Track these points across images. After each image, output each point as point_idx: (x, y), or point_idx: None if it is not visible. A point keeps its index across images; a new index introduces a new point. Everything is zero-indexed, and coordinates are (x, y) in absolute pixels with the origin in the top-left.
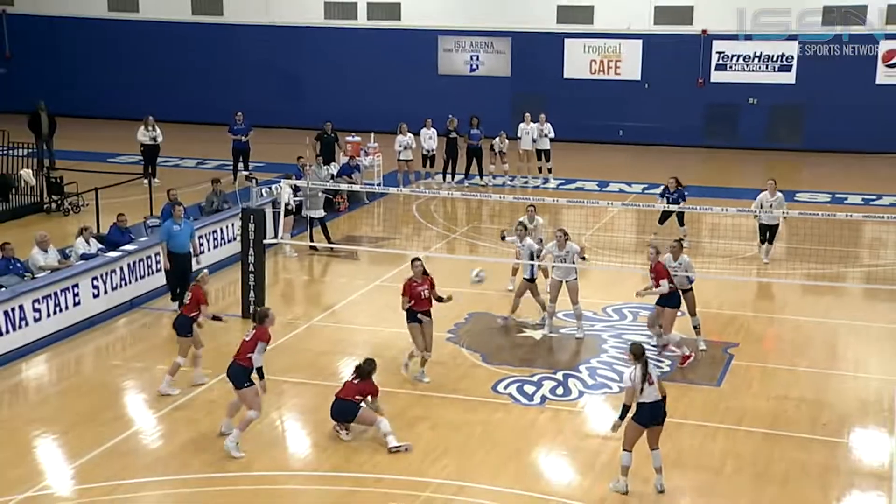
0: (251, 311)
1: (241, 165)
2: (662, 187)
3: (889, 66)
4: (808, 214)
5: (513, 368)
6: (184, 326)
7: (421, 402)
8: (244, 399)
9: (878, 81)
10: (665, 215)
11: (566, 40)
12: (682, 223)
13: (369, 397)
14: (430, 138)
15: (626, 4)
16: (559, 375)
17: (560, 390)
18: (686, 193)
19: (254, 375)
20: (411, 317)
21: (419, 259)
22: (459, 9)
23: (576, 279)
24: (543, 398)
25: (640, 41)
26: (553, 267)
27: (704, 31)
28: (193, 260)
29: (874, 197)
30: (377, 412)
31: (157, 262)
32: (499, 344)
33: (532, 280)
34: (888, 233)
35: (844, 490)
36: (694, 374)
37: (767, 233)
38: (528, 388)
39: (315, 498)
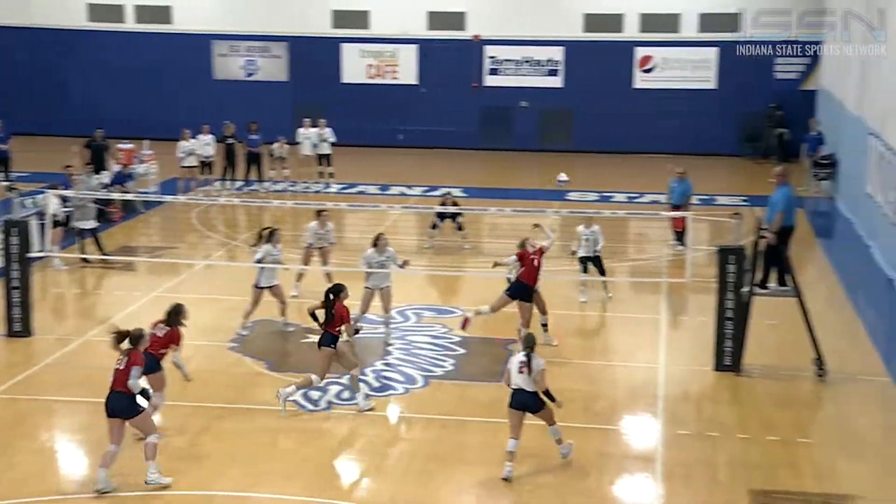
0: (114, 334)
1: (1, 175)
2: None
3: (644, 71)
4: (578, 213)
5: (298, 375)
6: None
7: (204, 413)
8: (141, 426)
9: (635, 86)
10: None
11: (343, 45)
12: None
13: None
14: (207, 145)
15: (401, 9)
16: (344, 380)
17: (346, 394)
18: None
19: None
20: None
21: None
22: (233, 13)
23: (390, 286)
24: (330, 403)
25: (416, 46)
26: (369, 275)
27: (476, 37)
28: None
29: (637, 195)
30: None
31: None
32: (284, 351)
33: None
34: (650, 228)
35: (616, 474)
36: (477, 372)
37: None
38: (314, 394)
39: None
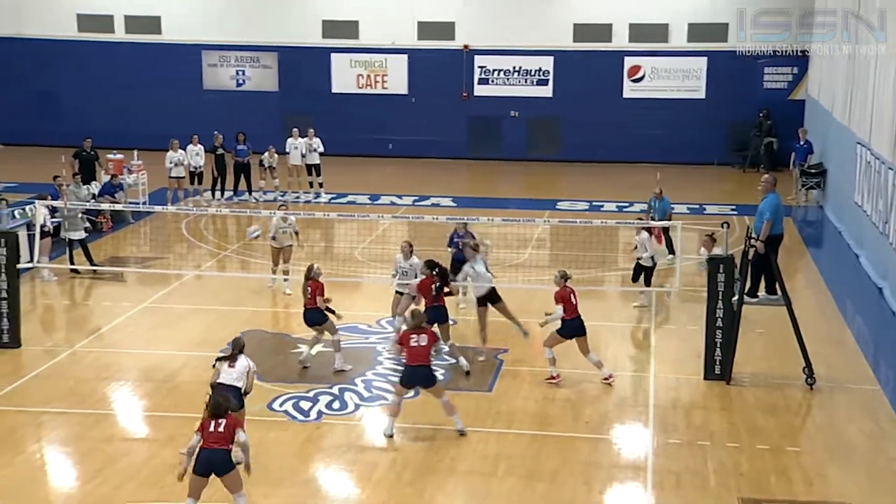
0: (213, 404)
1: None
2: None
3: (633, 80)
4: (568, 222)
5: (288, 385)
6: (313, 317)
7: (194, 424)
8: (233, 483)
9: (624, 95)
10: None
11: (333, 55)
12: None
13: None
14: (196, 155)
15: (391, 20)
16: (335, 389)
17: (336, 404)
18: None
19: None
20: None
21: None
22: (223, 23)
23: (413, 296)
24: (320, 413)
25: (406, 56)
26: (397, 281)
27: (466, 46)
28: None
29: (626, 204)
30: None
31: None
32: (274, 361)
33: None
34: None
35: (606, 483)
36: (466, 382)
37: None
38: (305, 405)
39: None
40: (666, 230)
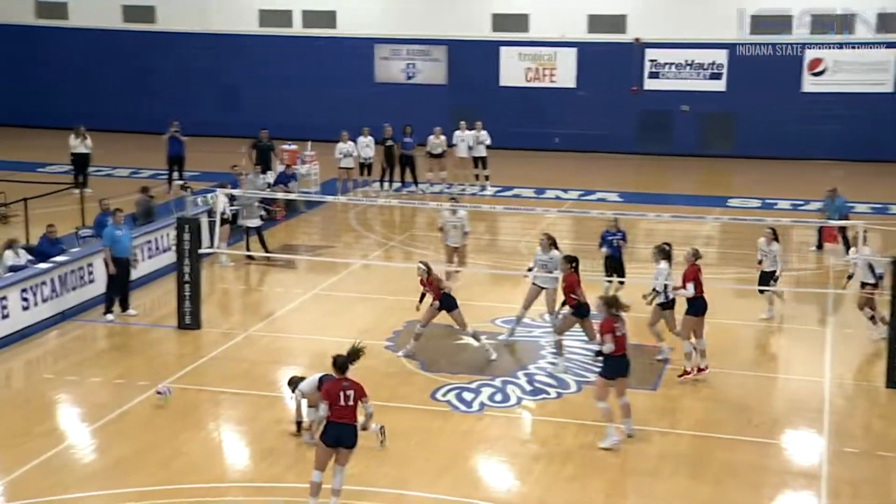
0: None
1: (176, 175)
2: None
3: (814, 74)
4: (739, 220)
5: (451, 376)
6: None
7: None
8: (346, 458)
9: (803, 89)
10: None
11: (501, 48)
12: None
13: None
14: (366, 146)
15: (561, 13)
16: (497, 382)
17: (498, 397)
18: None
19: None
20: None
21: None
22: (395, 17)
23: (555, 289)
24: (482, 405)
25: (575, 49)
26: (534, 274)
27: (637, 40)
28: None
29: (802, 202)
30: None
31: (90, 273)
32: (437, 352)
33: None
34: (815, 237)
35: (777, 489)
36: (632, 380)
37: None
38: (467, 395)
39: None
40: (843, 229)
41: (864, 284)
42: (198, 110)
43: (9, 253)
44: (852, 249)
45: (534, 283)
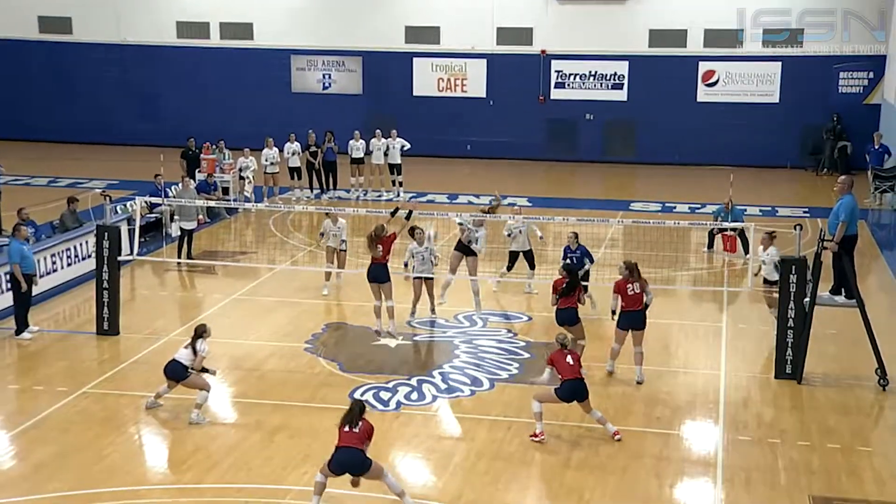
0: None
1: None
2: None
3: (708, 85)
4: (641, 223)
5: (369, 376)
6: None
7: (280, 410)
8: (375, 475)
9: (698, 99)
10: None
11: (414, 59)
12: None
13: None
14: (293, 154)
15: (471, 25)
16: (413, 381)
17: (415, 395)
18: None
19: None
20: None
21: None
22: (311, 29)
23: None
24: (399, 403)
25: (485, 60)
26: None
27: (543, 51)
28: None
29: (699, 205)
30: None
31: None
32: (355, 353)
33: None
34: (706, 239)
35: (677, 478)
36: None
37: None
38: (384, 395)
39: None
40: (742, 232)
41: (768, 282)
42: (119, 119)
43: None
44: (759, 249)
45: (415, 278)
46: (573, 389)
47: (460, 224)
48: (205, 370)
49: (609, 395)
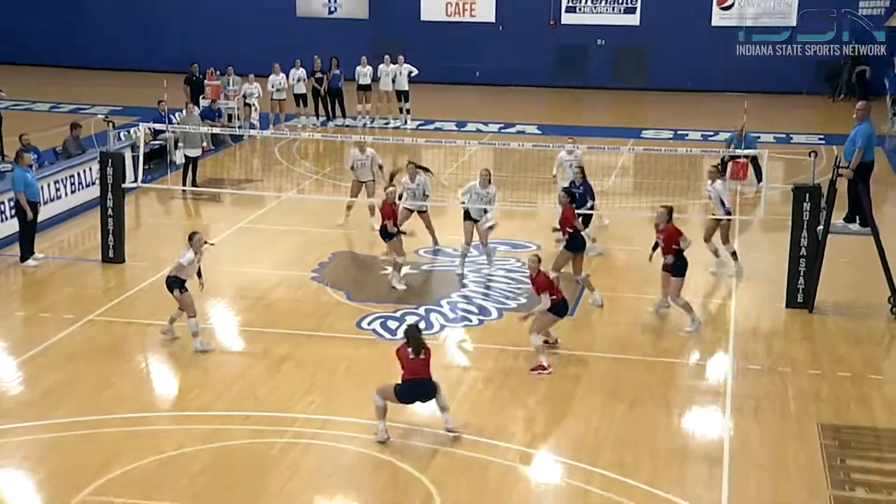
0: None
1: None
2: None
3: (723, 8)
4: (653, 150)
5: (376, 305)
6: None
7: (286, 340)
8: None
9: (713, 23)
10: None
11: None
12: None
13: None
14: (299, 80)
15: None
16: (421, 310)
17: (422, 324)
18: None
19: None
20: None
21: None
22: None
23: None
24: None
25: None
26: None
27: None
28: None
29: (712, 133)
30: None
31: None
32: (362, 281)
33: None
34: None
35: (685, 406)
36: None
37: None
38: (392, 324)
39: (182, 438)
40: (755, 159)
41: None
42: (122, 45)
43: None
44: (707, 182)
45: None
46: (562, 307)
47: (463, 203)
48: (199, 275)
49: (617, 323)
